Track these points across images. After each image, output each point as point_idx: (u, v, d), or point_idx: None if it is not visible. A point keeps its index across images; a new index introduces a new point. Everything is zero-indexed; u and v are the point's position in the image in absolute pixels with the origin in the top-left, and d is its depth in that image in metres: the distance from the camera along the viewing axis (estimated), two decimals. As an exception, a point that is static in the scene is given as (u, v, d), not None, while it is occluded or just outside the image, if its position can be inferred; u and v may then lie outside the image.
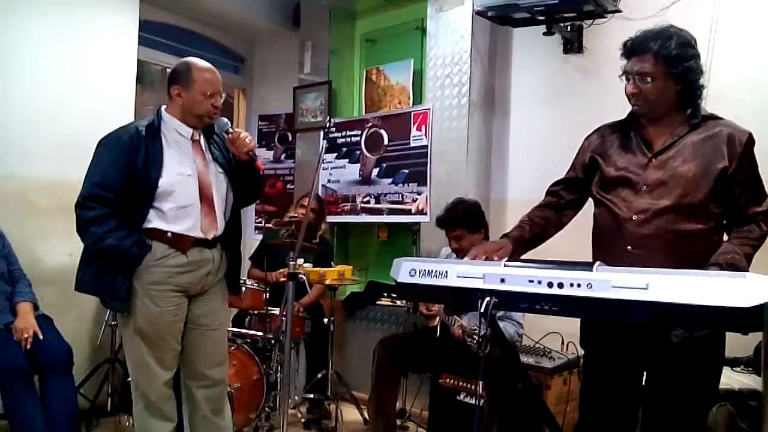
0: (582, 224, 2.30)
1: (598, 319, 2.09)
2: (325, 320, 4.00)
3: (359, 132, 4.74)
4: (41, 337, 3.15)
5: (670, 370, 2.02)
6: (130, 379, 2.66)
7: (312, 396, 3.99)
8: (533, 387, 2.33)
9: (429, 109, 4.28)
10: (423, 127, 4.31)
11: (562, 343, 3.37)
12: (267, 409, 3.66)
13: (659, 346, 1.96)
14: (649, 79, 2.02)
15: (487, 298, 1.71)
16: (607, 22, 3.53)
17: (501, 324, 3.00)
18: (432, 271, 1.84)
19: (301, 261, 3.30)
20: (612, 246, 2.09)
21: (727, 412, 2.56)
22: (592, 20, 3.61)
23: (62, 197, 3.67)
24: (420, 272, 1.86)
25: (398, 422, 3.70)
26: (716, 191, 2.00)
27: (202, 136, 2.69)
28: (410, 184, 4.39)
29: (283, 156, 5.66)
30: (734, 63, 3.22)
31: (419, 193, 4.33)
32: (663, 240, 2.00)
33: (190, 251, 2.58)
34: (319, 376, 3.93)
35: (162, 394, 2.60)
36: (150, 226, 2.52)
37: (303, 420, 4.00)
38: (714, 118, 2.09)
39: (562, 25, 3.67)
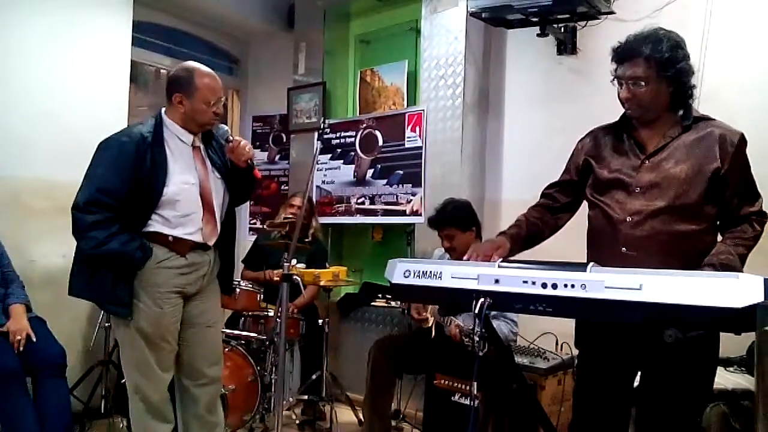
0: (576, 226, 2.31)
1: (592, 320, 2.10)
2: (320, 321, 3.99)
3: (354, 133, 4.74)
4: (34, 339, 3.14)
5: (664, 370, 2.03)
6: (125, 381, 2.64)
7: (307, 397, 3.99)
8: (528, 387, 2.33)
9: (423, 110, 4.28)
10: (417, 128, 4.32)
11: (557, 343, 3.37)
12: (261, 410, 3.66)
13: (653, 347, 1.96)
14: (643, 84, 2.03)
15: (482, 299, 1.72)
16: (600, 23, 3.54)
17: (495, 323, 3.00)
18: (426, 272, 1.84)
19: (294, 261, 3.30)
20: (606, 247, 2.10)
21: (721, 412, 2.57)
22: (585, 22, 3.62)
23: (57, 199, 3.67)
24: (415, 273, 1.87)
25: (393, 423, 3.71)
26: (710, 192, 2.01)
27: (201, 142, 2.70)
28: (405, 185, 4.39)
29: (277, 157, 5.65)
30: (727, 64, 3.23)
31: (414, 194, 4.34)
32: (657, 241, 2.00)
33: (189, 254, 2.60)
34: (314, 377, 3.93)
35: (163, 396, 2.61)
36: (151, 229, 2.52)
37: (298, 421, 4.00)
38: (706, 119, 2.10)
39: (555, 26, 3.67)
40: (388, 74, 4.82)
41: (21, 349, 3.08)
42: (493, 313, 3.02)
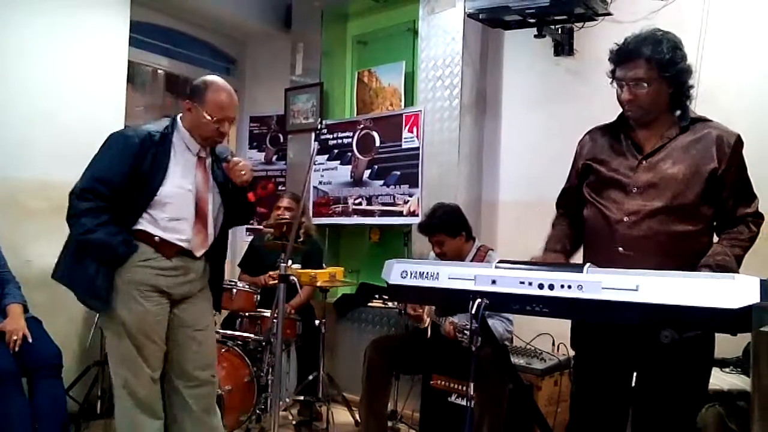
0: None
1: (589, 321, 2.11)
2: (317, 322, 3.99)
3: (351, 134, 4.74)
4: (30, 339, 3.13)
5: (660, 370, 2.03)
6: (112, 377, 2.63)
7: (303, 398, 3.98)
8: (524, 388, 2.33)
9: (420, 111, 4.28)
10: (414, 129, 4.32)
11: (553, 344, 3.38)
12: (258, 411, 3.65)
13: (649, 347, 1.97)
14: (645, 85, 2.03)
15: (478, 300, 1.72)
16: (597, 24, 3.54)
17: (490, 321, 2.99)
18: (423, 272, 1.84)
19: (289, 262, 3.30)
20: (603, 247, 2.10)
21: (716, 413, 2.57)
22: (582, 23, 3.62)
23: (53, 199, 3.65)
24: (411, 274, 1.86)
25: (389, 424, 3.70)
26: (706, 193, 2.01)
27: (208, 155, 2.70)
28: (402, 186, 4.40)
29: (274, 158, 5.65)
30: (723, 66, 3.24)
31: (411, 195, 4.34)
32: (654, 241, 2.01)
33: (175, 258, 2.60)
34: (310, 377, 3.92)
35: (151, 390, 2.60)
36: (140, 227, 2.54)
37: (294, 422, 3.99)
38: (703, 120, 2.11)
39: (553, 27, 3.68)
40: (386, 75, 4.82)
41: (17, 349, 3.07)
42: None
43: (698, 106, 2.20)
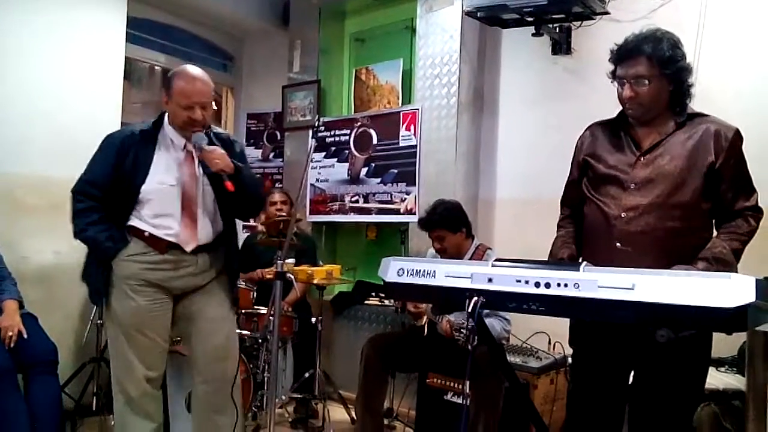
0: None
1: (585, 319, 2.11)
2: (313, 320, 3.99)
3: (348, 131, 4.74)
4: (26, 335, 3.12)
5: (657, 369, 2.04)
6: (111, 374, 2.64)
7: (299, 395, 3.98)
8: (520, 386, 2.33)
9: (418, 109, 4.28)
10: (412, 127, 4.32)
11: (549, 342, 3.38)
12: (254, 408, 3.65)
13: (646, 346, 1.97)
14: (646, 82, 2.04)
15: (475, 298, 1.72)
16: (595, 23, 3.54)
17: (488, 320, 3.00)
18: (420, 270, 1.84)
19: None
20: (601, 243, 2.11)
21: (712, 412, 2.58)
22: (580, 22, 3.62)
23: (50, 195, 3.66)
24: (408, 272, 1.86)
25: (385, 421, 3.70)
26: (705, 188, 2.02)
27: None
28: (399, 184, 4.39)
29: (271, 155, 5.64)
30: (721, 66, 3.24)
31: (408, 193, 4.34)
32: (652, 237, 2.01)
33: (168, 252, 2.59)
34: (307, 375, 3.93)
35: (144, 391, 2.57)
36: (131, 224, 2.57)
37: (290, 419, 3.99)
38: (700, 115, 2.11)
39: (550, 26, 3.68)
40: (383, 73, 4.81)
41: (12, 345, 3.06)
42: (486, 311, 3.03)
43: (695, 106, 2.20)
